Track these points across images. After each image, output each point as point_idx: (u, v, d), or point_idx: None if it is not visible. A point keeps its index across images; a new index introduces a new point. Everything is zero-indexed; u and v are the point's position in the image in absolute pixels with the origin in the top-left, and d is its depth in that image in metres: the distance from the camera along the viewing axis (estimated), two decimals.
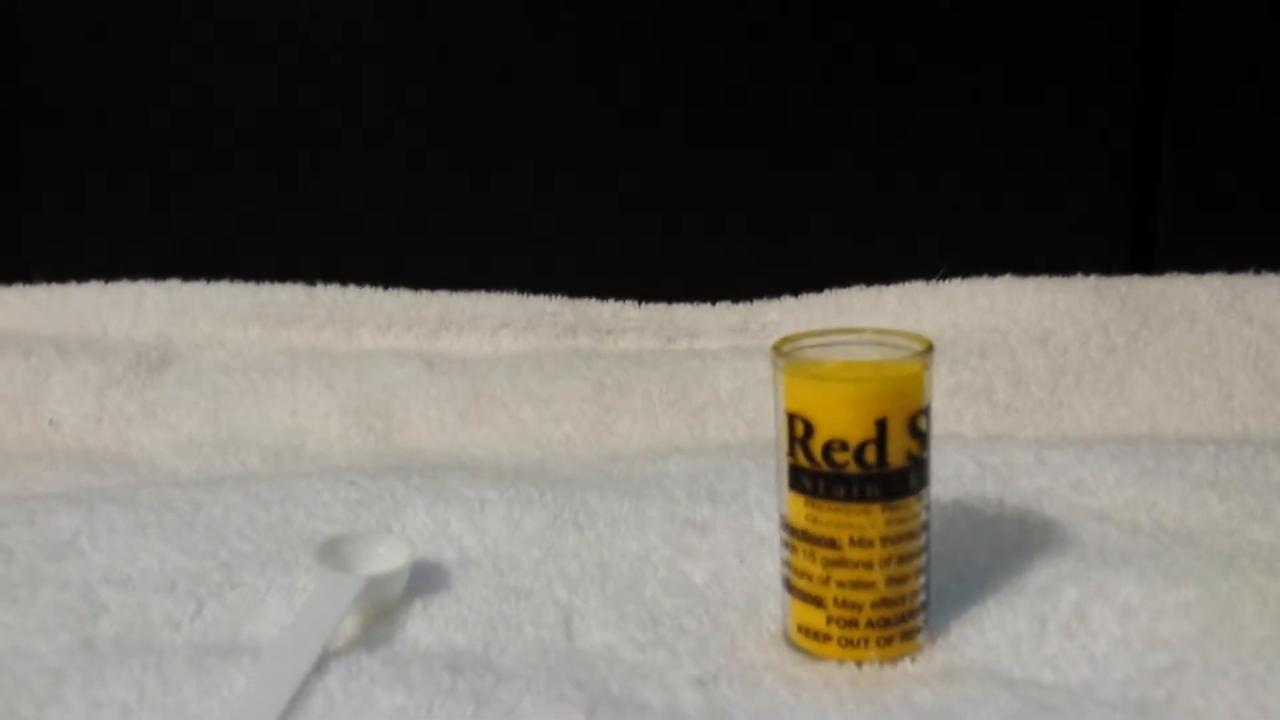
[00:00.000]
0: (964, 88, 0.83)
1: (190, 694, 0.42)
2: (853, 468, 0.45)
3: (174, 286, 0.89)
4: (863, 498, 0.45)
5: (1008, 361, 0.77)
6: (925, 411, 0.46)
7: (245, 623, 0.50)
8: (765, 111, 0.85)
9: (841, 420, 0.45)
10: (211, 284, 0.89)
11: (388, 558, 0.52)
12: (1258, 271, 0.81)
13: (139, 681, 0.43)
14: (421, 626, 0.49)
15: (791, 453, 0.46)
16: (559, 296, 0.87)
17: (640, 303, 0.87)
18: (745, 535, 0.57)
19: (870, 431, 0.45)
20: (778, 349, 0.47)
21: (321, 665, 0.44)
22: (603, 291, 0.88)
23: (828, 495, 0.45)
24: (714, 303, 0.87)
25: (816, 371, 0.46)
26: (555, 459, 0.73)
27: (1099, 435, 0.72)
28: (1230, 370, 0.76)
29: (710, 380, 0.80)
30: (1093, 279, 0.83)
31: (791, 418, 0.46)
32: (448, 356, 0.85)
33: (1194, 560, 0.52)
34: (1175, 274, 0.82)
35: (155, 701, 0.42)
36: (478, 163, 0.87)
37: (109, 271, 0.89)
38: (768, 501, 0.59)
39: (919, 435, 0.46)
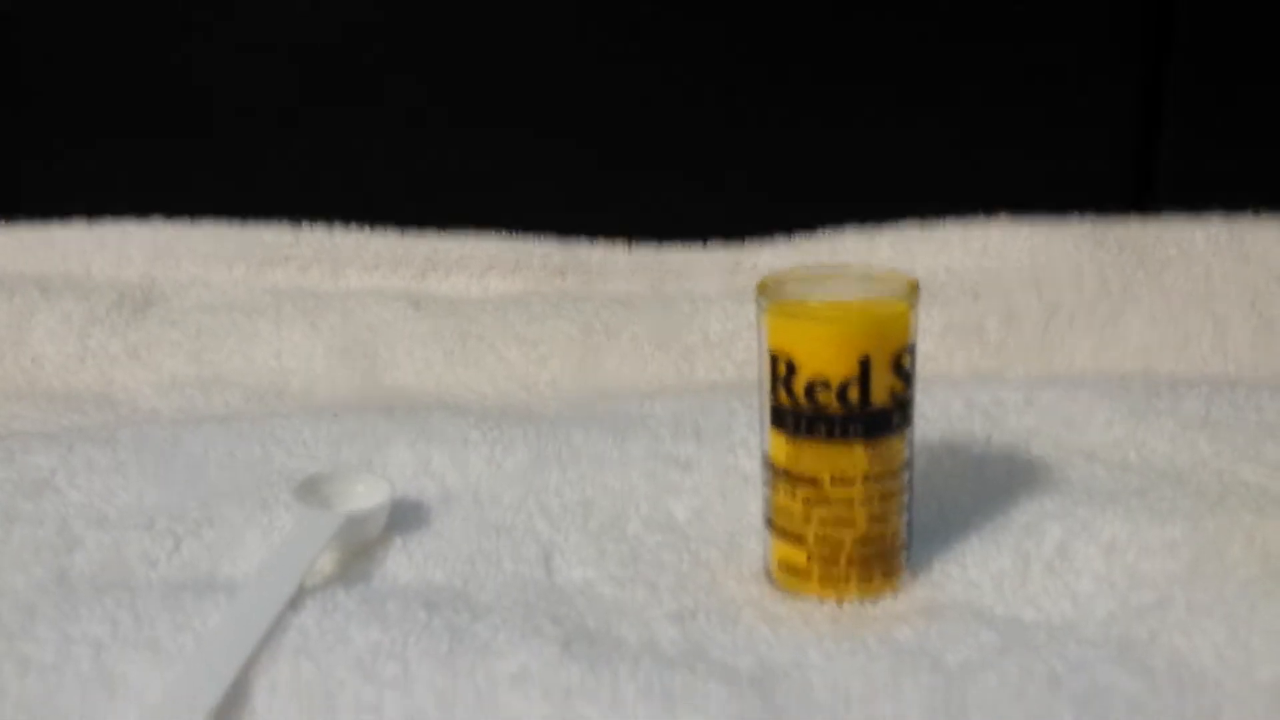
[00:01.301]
0: (963, 27, 0.82)
1: (164, 629, 0.42)
2: (835, 407, 0.44)
3: (158, 226, 0.88)
4: (845, 436, 0.44)
5: (1000, 303, 0.77)
6: (910, 350, 0.45)
7: (223, 560, 0.49)
8: (760, 54, 0.83)
9: (824, 359, 0.44)
10: (196, 224, 0.87)
11: (367, 495, 0.52)
12: (1256, 213, 0.80)
13: (112, 617, 0.43)
14: (400, 563, 0.49)
15: (774, 392, 0.46)
16: (548, 238, 0.86)
17: (630, 244, 0.86)
18: (729, 474, 0.56)
19: (853, 370, 0.44)
20: (762, 288, 0.46)
21: (297, 602, 0.43)
22: (593, 233, 0.86)
23: (809, 434, 0.45)
24: (705, 244, 0.86)
25: (799, 310, 0.45)
26: (541, 400, 0.72)
27: (1091, 376, 0.71)
28: (1226, 311, 0.75)
29: (700, 322, 0.79)
30: (1089, 221, 0.81)
31: (774, 357, 0.45)
32: (434, 297, 0.84)
33: (1182, 499, 0.51)
34: (1172, 215, 0.81)
35: (128, 637, 0.42)
36: (467, 103, 0.86)
37: (93, 211, 0.88)
38: (753, 440, 0.58)
39: (903, 374, 0.45)
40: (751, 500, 0.53)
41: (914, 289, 0.45)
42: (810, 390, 0.44)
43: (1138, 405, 0.62)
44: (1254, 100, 0.81)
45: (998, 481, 0.54)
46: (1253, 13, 0.80)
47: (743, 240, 0.86)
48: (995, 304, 0.77)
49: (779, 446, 0.46)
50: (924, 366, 0.74)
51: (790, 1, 0.82)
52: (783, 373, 0.45)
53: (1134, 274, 0.77)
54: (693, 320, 0.79)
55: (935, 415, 0.62)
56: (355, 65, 0.86)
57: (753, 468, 0.56)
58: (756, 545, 0.50)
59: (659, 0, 0.83)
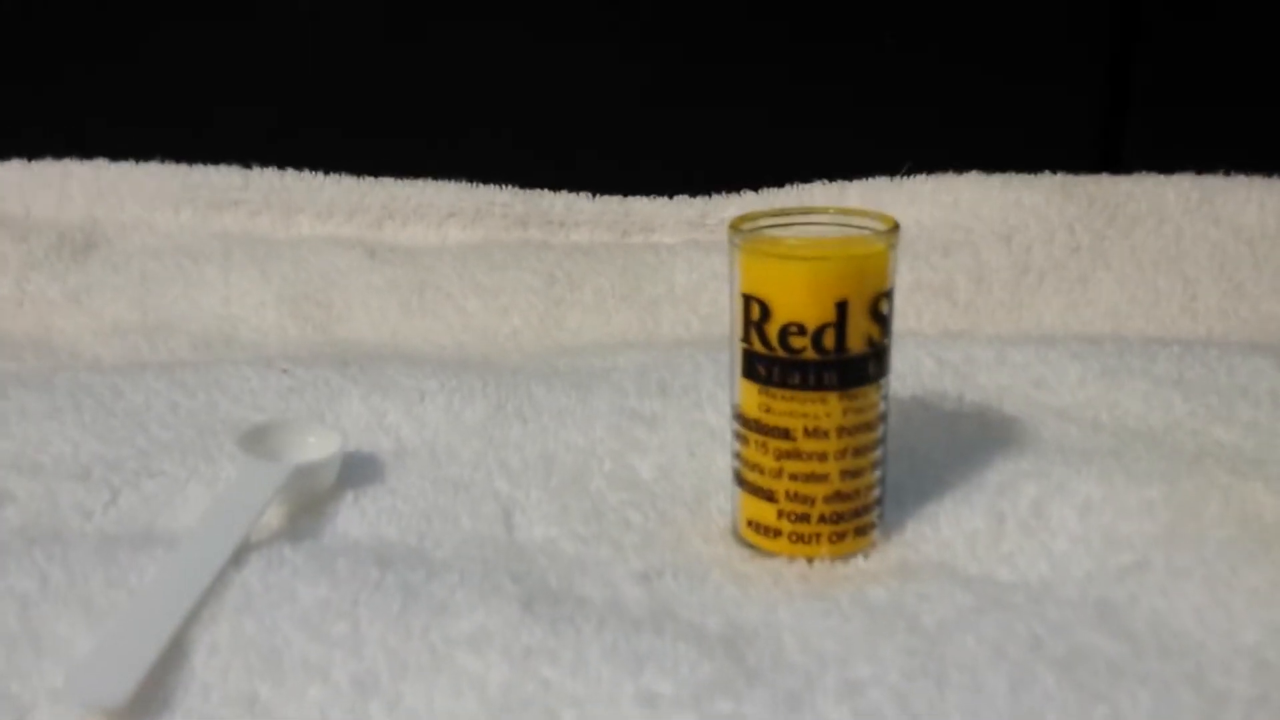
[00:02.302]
0: None
1: (97, 585, 0.40)
2: (810, 353, 0.42)
3: (101, 166, 0.84)
4: (819, 385, 0.43)
5: (970, 259, 0.75)
6: (888, 295, 0.43)
7: (162, 513, 0.47)
8: (735, 5, 0.81)
9: (799, 302, 0.42)
10: (141, 164, 0.84)
11: (317, 446, 0.49)
12: (1227, 173, 0.79)
13: (42, 571, 0.40)
14: (352, 519, 0.46)
15: (746, 337, 0.44)
16: (509, 186, 0.84)
17: (594, 195, 0.84)
18: (696, 429, 0.55)
19: (830, 314, 0.42)
20: (735, 226, 0.44)
21: (240, 557, 0.41)
22: (556, 183, 0.84)
23: (782, 383, 0.43)
24: (671, 196, 0.84)
25: (775, 250, 0.43)
26: (501, 352, 0.70)
27: (1061, 335, 0.70)
28: (1196, 272, 0.74)
29: (665, 274, 0.77)
30: (1060, 177, 0.80)
31: (747, 299, 0.43)
32: (391, 246, 0.81)
33: (1157, 459, 0.50)
34: (1144, 174, 0.80)
35: (58, 592, 0.39)
36: (429, 43, 0.83)
37: (33, 149, 0.84)
38: (720, 395, 0.56)
39: (880, 320, 0.43)
40: (719, 457, 0.51)
41: (894, 229, 0.43)
42: (784, 335, 0.42)
43: (1110, 364, 0.61)
44: (1223, 61, 0.79)
45: (970, 440, 0.53)
46: None
47: (709, 194, 0.84)
48: (965, 260, 0.75)
49: (750, 397, 0.44)
50: (894, 323, 0.73)
51: None
52: (756, 316, 0.43)
53: (1104, 231, 0.76)
54: (657, 272, 0.77)
55: (906, 372, 0.60)
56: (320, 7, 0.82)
57: (720, 424, 0.54)
58: (725, 503, 0.48)
59: None
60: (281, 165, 0.84)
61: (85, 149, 0.84)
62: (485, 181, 0.84)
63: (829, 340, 0.42)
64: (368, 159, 0.84)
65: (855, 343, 0.43)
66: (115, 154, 0.84)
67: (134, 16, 0.82)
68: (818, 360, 0.42)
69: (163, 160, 0.84)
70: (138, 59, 0.83)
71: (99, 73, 0.84)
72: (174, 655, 0.36)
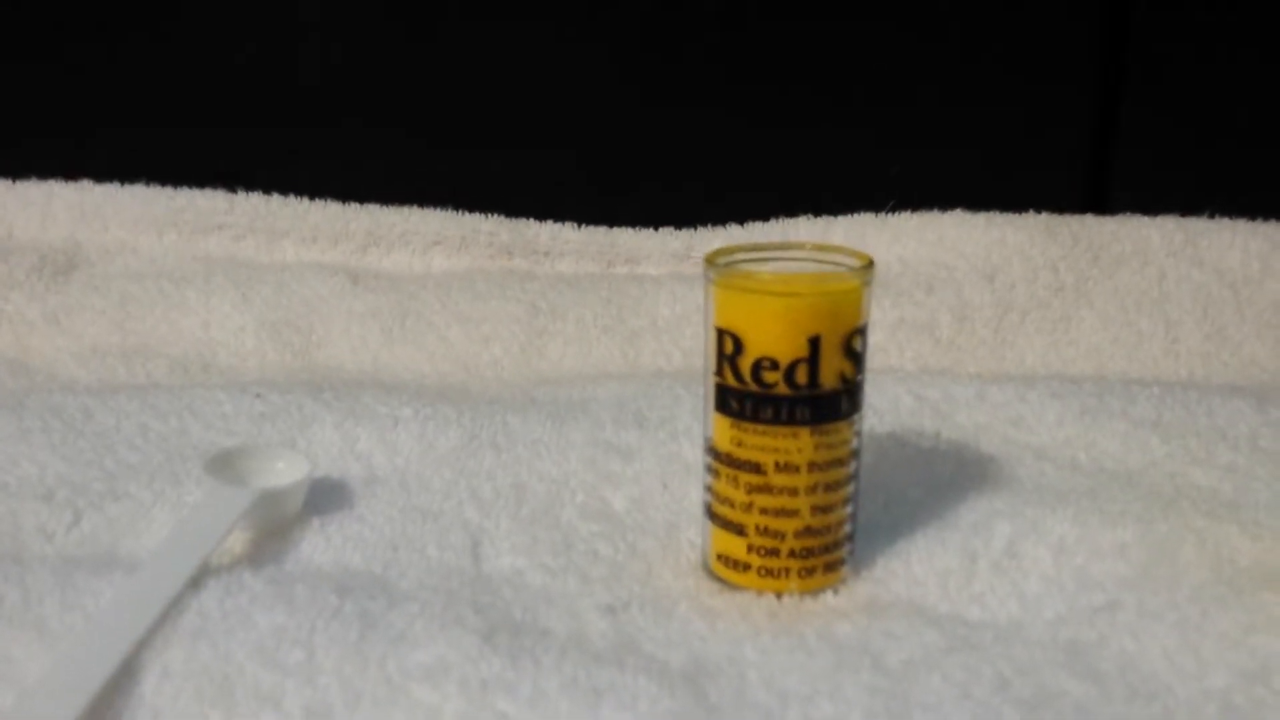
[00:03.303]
0: (920, 19, 0.80)
1: (51, 608, 0.39)
2: (782, 388, 0.42)
3: (85, 187, 0.84)
4: (791, 420, 0.42)
5: (953, 297, 0.75)
6: (861, 331, 0.43)
7: (125, 536, 0.46)
8: (717, 41, 0.81)
9: (773, 337, 0.42)
10: (125, 186, 0.84)
11: (285, 472, 0.49)
12: (1211, 215, 0.79)
13: None
14: (317, 545, 0.46)
15: (719, 371, 0.43)
16: (495, 215, 0.84)
17: (580, 225, 0.84)
18: (671, 462, 0.54)
19: (803, 350, 0.42)
20: (710, 261, 0.44)
21: (199, 581, 0.41)
22: (541, 213, 0.84)
23: (755, 418, 0.43)
24: (657, 228, 0.84)
25: (749, 284, 0.43)
26: (481, 382, 0.70)
27: (1042, 374, 0.70)
28: (1179, 314, 0.74)
29: (648, 306, 0.77)
30: (1044, 216, 0.80)
31: (721, 333, 0.43)
32: (375, 273, 0.81)
33: (1132, 501, 0.50)
34: (1128, 215, 0.80)
35: (12, 615, 0.39)
36: (416, 72, 0.83)
37: (16, 170, 0.84)
38: (697, 429, 0.56)
39: (854, 356, 0.43)
40: (693, 490, 0.51)
41: (868, 266, 0.43)
42: (757, 369, 0.42)
43: (1089, 405, 0.61)
44: (1210, 104, 0.80)
45: (946, 478, 0.53)
46: (1210, 16, 0.79)
47: (695, 227, 0.84)
48: (948, 297, 0.75)
49: (722, 431, 0.44)
50: (875, 359, 0.73)
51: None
52: (729, 350, 0.43)
53: (1088, 271, 0.76)
54: (640, 304, 0.76)
55: (885, 408, 0.60)
56: (296, 25, 0.82)
57: (696, 457, 0.53)
58: (696, 536, 0.47)
59: None
60: (267, 190, 0.84)
61: (70, 170, 0.84)
62: (469, 209, 0.84)
63: (801, 376, 0.42)
64: (349, 181, 0.84)
65: (828, 378, 0.42)
66: (100, 175, 0.84)
67: (121, 41, 0.83)
68: (790, 395, 0.42)
69: (148, 183, 0.84)
70: (123, 81, 0.83)
71: (82, 94, 0.84)
72: (125, 680, 0.36)
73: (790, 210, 0.82)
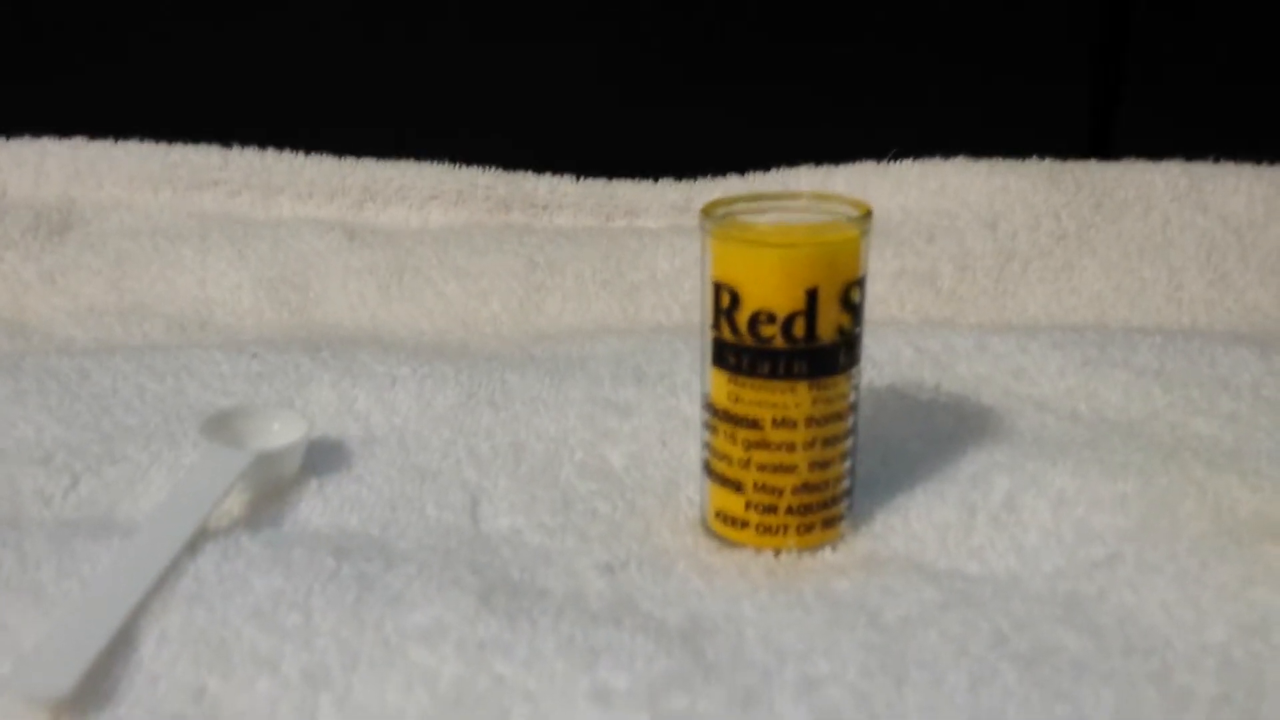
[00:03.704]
0: None
1: (49, 574, 0.39)
2: (780, 342, 0.42)
3: (79, 144, 0.83)
4: (789, 374, 0.42)
5: (954, 246, 0.74)
6: (860, 283, 0.43)
7: (122, 499, 0.46)
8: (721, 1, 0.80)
9: (770, 289, 0.41)
10: (119, 143, 0.83)
11: (282, 433, 0.48)
12: (1216, 160, 0.78)
13: None
14: (315, 507, 0.46)
15: (716, 325, 0.43)
16: (492, 169, 0.83)
17: (578, 178, 0.83)
18: (670, 418, 0.54)
19: (800, 302, 0.41)
20: (707, 212, 0.43)
21: (196, 545, 0.41)
22: (539, 165, 0.83)
23: (752, 372, 0.42)
24: (656, 180, 0.83)
25: (745, 235, 0.42)
26: (480, 338, 0.69)
27: (1044, 324, 0.69)
28: (1182, 261, 0.73)
29: (647, 260, 0.76)
30: (1047, 163, 0.79)
31: (717, 287, 0.43)
32: (371, 228, 0.81)
33: (1133, 452, 0.50)
34: (1132, 160, 0.79)
35: (9, 580, 0.39)
36: (411, 24, 0.82)
37: (9, 127, 0.83)
38: (695, 384, 0.56)
39: (851, 309, 0.43)
40: (692, 447, 0.51)
41: (867, 216, 0.43)
42: (754, 323, 0.42)
43: (1091, 355, 0.60)
44: (1214, 51, 0.78)
45: (945, 430, 0.52)
46: None
47: (694, 178, 0.83)
48: (949, 246, 0.74)
49: (719, 387, 0.43)
50: (876, 310, 0.72)
51: None
52: (726, 304, 0.42)
53: (1091, 218, 0.75)
54: (640, 257, 0.76)
55: (884, 360, 0.59)
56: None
57: (695, 412, 0.53)
58: (695, 493, 0.47)
59: None
60: (262, 145, 0.83)
61: (64, 126, 0.83)
62: (467, 162, 0.83)
63: (799, 329, 0.42)
64: (348, 147, 0.83)
65: (826, 331, 0.42)
66: (94, 132, 0.83)
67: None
68: (787, 349, 0.42)
69: (141, 139, 0.83)
70: (116, 37, 0.82)
71: (75, 50, 0.83)
72: (122, 645, 0.36)
73: (791, 161, 0.81)
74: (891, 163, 0.80)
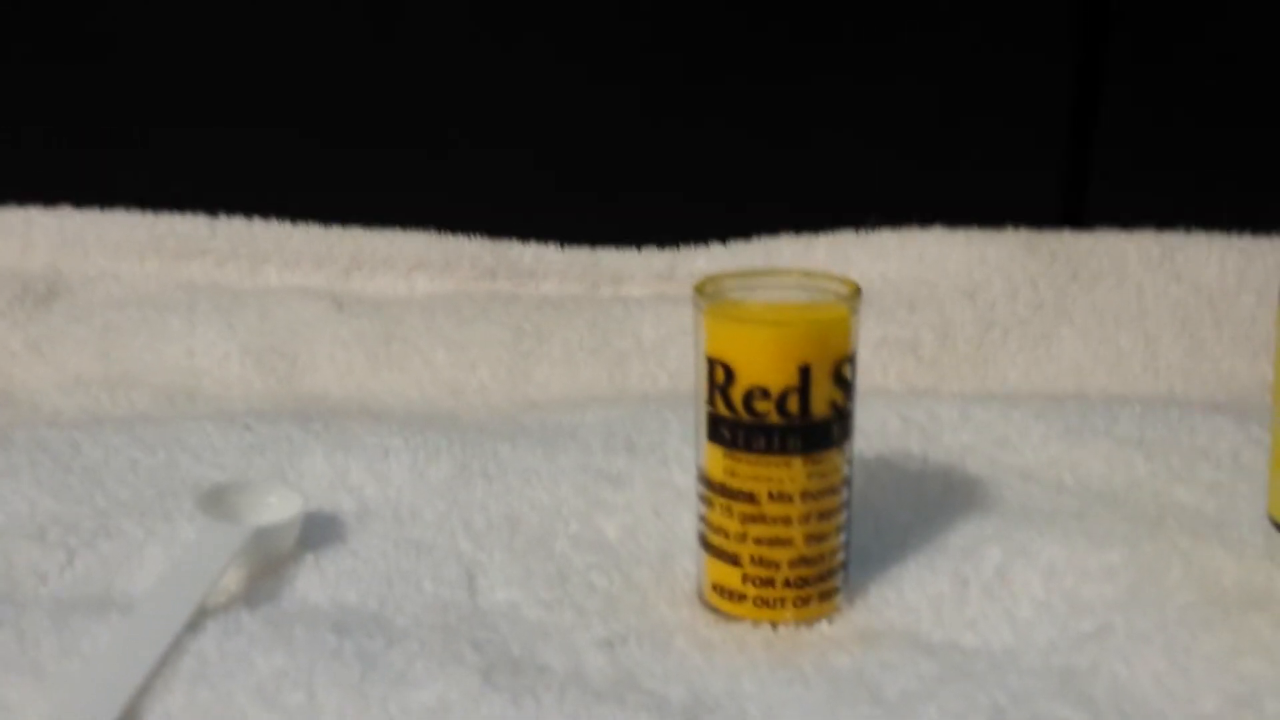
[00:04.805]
0: (897, 36, 0.81)
1: (49, 652, 0.39)
2: (774, 417, 0.43)
3: (65, 214, 0.83)
4: (784, 449, 0.43)
5: (935, 315, 0.76)
6: (850, 359, 0.44)
7: (119, 576, 0.46)
8: (694, 56, 0.82)
9: (764, 366, 0.42)
10: (106, 212, 0.83)
11: (278, 508, 0.49)
12: (1187, 230, 0.80)
13: None
14: (312, 582, 0.46)
15: (711, 401, 0.44)
16: (478, 237, 0.84)
17: (563, 246, 0.84)
18: (662, 489, 0.54)
19: (793, 379, 0.42)
20: (700, 290, 0.44)
21: (197, 623, 0.41)
22: (525, 233, 0.84)
23: (747, 447, 0.43)
24: (640, 248, 0.84)
25: (739, 314, 0.44)
26: (469, 407, 0.70)
27: (1025, 392, 0.70)
28: (1158, 329, 0.75)
29: (633, 328, 0.77)
30: (1023, 232, 0.81)
31: (712, 363, 0.43)
32: (359, 297, 0.81)
33: (1118, 521, 0.51)
34: (1105, 230, 0.81)
35: (10, 659, 0.38)
36: (397, 96, 0.83)
37: None
38: (687, 454, 0.56)
39: (843, 384, 0.43)
40: (685, 517, 0.51)
41: (856, 294, 0.44)
42: (749, 399, 0.42)
43: (1072, 424, 0.61)
44: (1185, 120, 0.81)
45: (934, 501, 0.53)
46: (1186, 30, 0.80)
47: (678, 246, 0.84)
48: (930, 315, 0.76)
49: (715, 461, 0.44)
50: (860, 378, 0.73)
51: (725, 13, 0.81)
52: (721, 379, 0.43)
53: (1067, 287, 0.77)
54: (625, 325, 0.77)
55: (871, 430, 0.60)
56: (279, 52, 0.82)
57: (687, 483, 0.54)
58: (690, 565, 0.48)
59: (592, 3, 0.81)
60: (249, 214, 0.83)
61: (50, 196, 0.84)
62: (453, 230, 0.84)
63: (793, 404, 0.43)
64: (334, 204, 0.84)
65: (819, 407, 0.43)
66: (80, 201, 0.84)
67: (98, 67, 0.82)
68: (782, 424, 0.43)
69: (128, 208, 0.83)
70: (101, 107, 0.83)
71: (61, 120, 0.83)
72: None
73: (772, 225, 0.83)
74: (871, 232, 0.81)
